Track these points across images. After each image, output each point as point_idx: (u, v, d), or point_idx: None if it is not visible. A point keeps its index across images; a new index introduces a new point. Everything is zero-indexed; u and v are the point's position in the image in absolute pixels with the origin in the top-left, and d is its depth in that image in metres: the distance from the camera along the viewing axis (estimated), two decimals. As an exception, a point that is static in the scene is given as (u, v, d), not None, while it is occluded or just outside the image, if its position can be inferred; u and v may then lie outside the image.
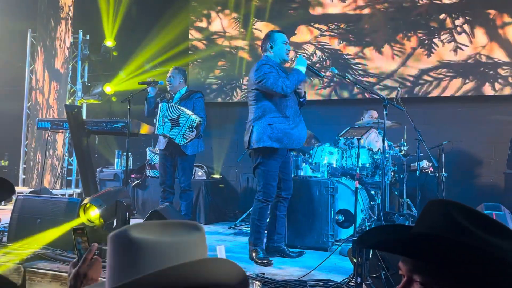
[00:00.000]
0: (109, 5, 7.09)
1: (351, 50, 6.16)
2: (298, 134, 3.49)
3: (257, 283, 2.24)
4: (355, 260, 2.60)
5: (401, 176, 5.06)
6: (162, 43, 7.04)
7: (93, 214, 3.07)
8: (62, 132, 6.00)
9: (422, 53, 5.83)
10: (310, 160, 4.52)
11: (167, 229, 0.91)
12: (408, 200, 4.99)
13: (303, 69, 3.48)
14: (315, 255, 3.72)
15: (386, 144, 4.21)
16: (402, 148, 5.01)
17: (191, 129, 4.19)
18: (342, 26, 6.20)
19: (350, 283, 2.63)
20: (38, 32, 7.39)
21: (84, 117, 6.73)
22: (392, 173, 4.95)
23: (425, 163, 4.96)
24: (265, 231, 3.63)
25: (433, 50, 5.79)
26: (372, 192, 4.78)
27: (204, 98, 4.59)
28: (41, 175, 6.08)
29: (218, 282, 0.84)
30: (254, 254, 3.44)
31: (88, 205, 2.91)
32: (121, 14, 7.09)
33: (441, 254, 0.77)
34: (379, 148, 4.81)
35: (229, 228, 5.15)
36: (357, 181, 3.87)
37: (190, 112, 4.25)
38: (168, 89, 4.55)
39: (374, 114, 5.24)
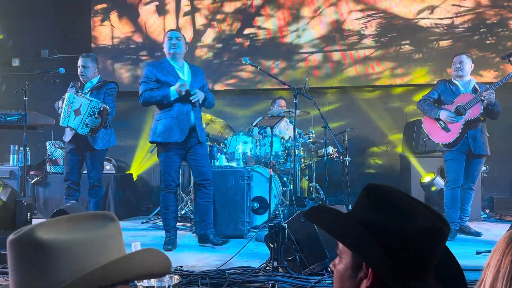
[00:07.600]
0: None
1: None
2: (181, 128, 3.61)
3: (176, 276, 2.21)
4: (271, 245, 2.70)
5: (310, 162, 5.32)
6: (61, 28, 6.49)
7: None
8: None
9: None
10: (225, 150, 4.55)
11: (78, 224, 0.82)
12: (316, 184, 5.27)
13: (174, 95, 3.57)
14: (232, 243, 3.78)
15: (296, 132, 4.40)
16: (311, 135, 5.26)
17: (93, 116, 3.91)
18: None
19: (268, 268, 2.72)
20: None
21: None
22: (302, 160, 5.19)
23: (330, 149, 5.28)
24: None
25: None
26: (285, 179, 4.97)
27: (117, 90, 4.32)
28: None
29: (151, 272, 0.83)
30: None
31: None
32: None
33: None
34: (290, 136, 5.00)
35: (142, 223, 5.00)
36: (271, 169, 3.98)
37: (92, 99, 3.98)
38: (82, 80, 4.21)
39: (282, 103, 5.45)
